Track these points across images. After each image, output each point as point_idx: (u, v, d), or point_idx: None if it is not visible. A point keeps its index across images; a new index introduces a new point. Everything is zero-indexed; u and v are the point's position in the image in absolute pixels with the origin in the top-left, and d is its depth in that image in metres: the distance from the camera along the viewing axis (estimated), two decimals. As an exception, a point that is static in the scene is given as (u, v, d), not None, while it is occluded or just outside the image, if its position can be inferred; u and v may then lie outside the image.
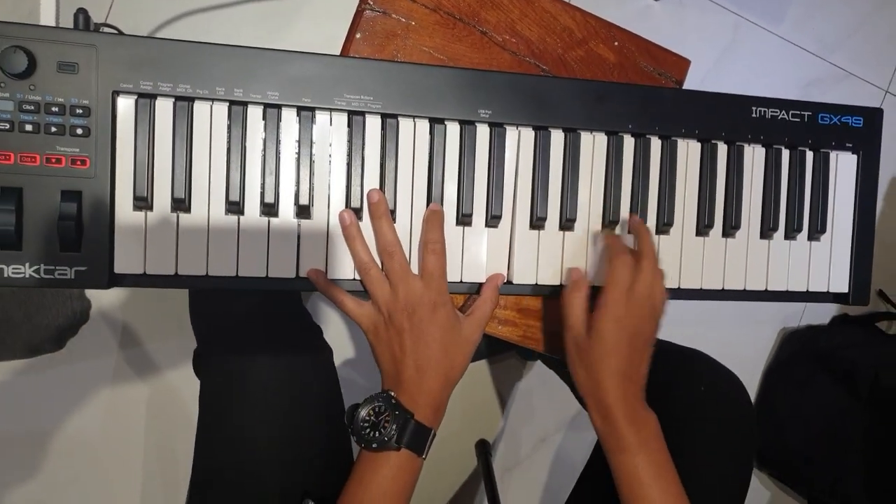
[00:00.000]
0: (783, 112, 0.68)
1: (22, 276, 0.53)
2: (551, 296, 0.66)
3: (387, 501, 0.55)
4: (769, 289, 0.69)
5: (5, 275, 0.53)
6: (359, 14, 0.63)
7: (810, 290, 0.70)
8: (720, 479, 0.64)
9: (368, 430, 0.55)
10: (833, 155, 0.70)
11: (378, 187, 0.59)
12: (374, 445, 0.54)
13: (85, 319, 1.14)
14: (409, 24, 0.64)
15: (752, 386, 1.42)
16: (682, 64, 0.72)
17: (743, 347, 1.41)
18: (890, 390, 1.16)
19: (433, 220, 0.59)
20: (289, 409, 0.62)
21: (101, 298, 1.09)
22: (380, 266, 0.58)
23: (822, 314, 1.42)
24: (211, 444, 0.62)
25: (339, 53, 0.64)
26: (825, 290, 0.70)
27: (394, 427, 0.54)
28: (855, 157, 0.71)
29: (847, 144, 0.70)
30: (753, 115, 0.67)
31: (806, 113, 0.69)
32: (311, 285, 0.58)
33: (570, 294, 0.61)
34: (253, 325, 0.64)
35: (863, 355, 1.22)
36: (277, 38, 1.11)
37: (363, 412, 0.55)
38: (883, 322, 1.41)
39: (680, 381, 0.69)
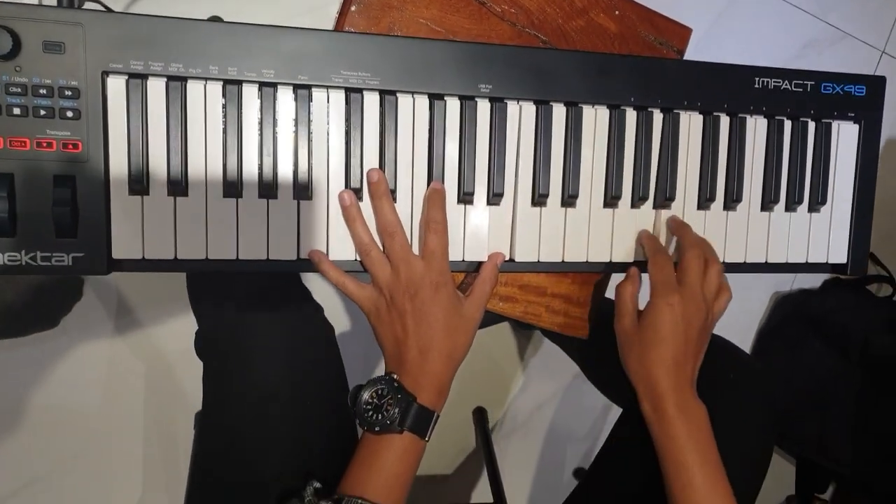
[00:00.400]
0: (786, 82, 0.67)
1: (18, 263, 0.52)
2: (552, 272, 0.66)
3: (389, 484, 0.54)
4: (769, 261, 0.69)
5: (1, 262, 0.52)
6: (353, -14, 0.61)
7: (809, 261, 0.70)
8: (744, 463, 0.65)
9: (371, 412, 0.55)
10: (835, 125, 0.69)
11: (378, 166, 0.58)
12: (376, 429, 0.54)
13: (78, 297, 1.13)
14: (405, -5, 0.62)
15: (744, 348, 1.44)
16: (684, 33, 0.71)
17: (736, 311, 1.42)
18: (880, 356, 1.18)
19: (435, 198, 0.58)
20: (293, 389, 0.62)
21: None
22: (380, 247, 0.58)
23: (814, 278, 1.43)
24: (214, 425, 0.62)
25: (332, 26, 0.63)
26: (824, 261, 0.71)
27: (396, 410, 0.54)
28: (857, 126, 0.70)
29: (849, 114, 0.69)
30: (756, 86, 0.66)
31: (809, 83, 0.68)
32: (312, 267, 0.58)
33: (624, 285, 0.63)
34: (254, 306, 0.64)
35: (854, 319, 1.24)
36: (260, 5, 1.08)
37: (366, 395, 0.55)
38: (873, 285, 1.43)
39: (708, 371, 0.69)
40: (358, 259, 0.59)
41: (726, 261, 0.68)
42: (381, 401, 0.55)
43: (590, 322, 0.71)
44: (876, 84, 0.70)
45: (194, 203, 0.55)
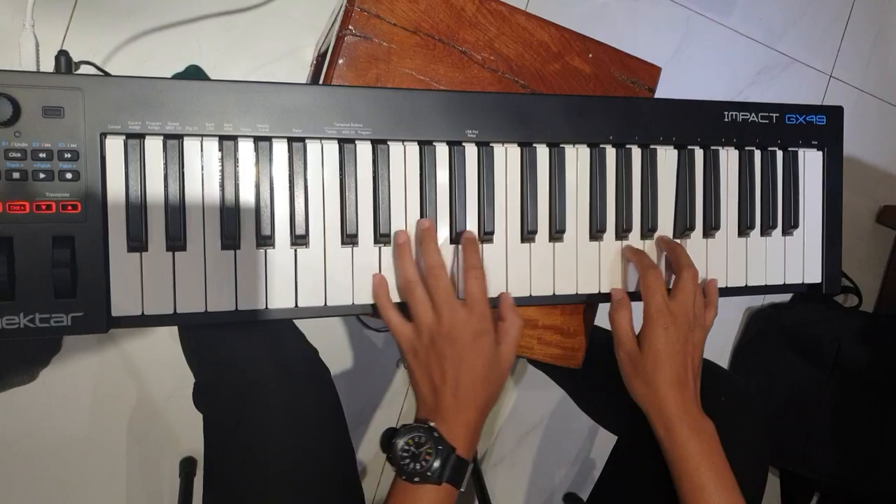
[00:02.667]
0: (752, 115, 0.71)
1: (16, 326, 0.52)
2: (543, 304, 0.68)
3: None
4: (749, 284, 0.72)
5: None
6: (340, 40, 0.63)
7: (787, 282, 0.73)
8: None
9: (409, 461, 0.54)
10: (801, 152, 0.73)
11: (372, 212, 0.60)
12: (416, 479, 0.54)
13: (57, 349, 1.11)
14: (390, 47, 0.65)
15: (722, 365, 1.48)
16: (654, 71, 0.74)
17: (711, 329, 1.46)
18: (852, 361, 1.23)
19: (470, 246, 0.60)
20: (295, 432, 0.62)
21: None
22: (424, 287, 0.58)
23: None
24: (221, 475, 0.62)
25: (308, 70, 0.65)
26: (800, 281, 0.74)
27: (437, 462, 0.54)
28: (820, 153, 0.74)
29: (813, 142, 0.73)
30: (725, 120, 0.70)
31: (774, 114, 0.72)
32: (308, 314, 0.59)
33: (616, 312, 0.64)
34: (251, 354, 0.64)
35: (826, 330, 1.28)
36: (242, 50, 1.09)
37: (401, 442, 0.55)
38: (840, 296, 1.48)
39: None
40: (396, 300, 0.60)
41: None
42: (418, 449, 0.55)
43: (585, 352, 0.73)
44: (835, 113, 0.74)
45: (193, 257, 0.56)
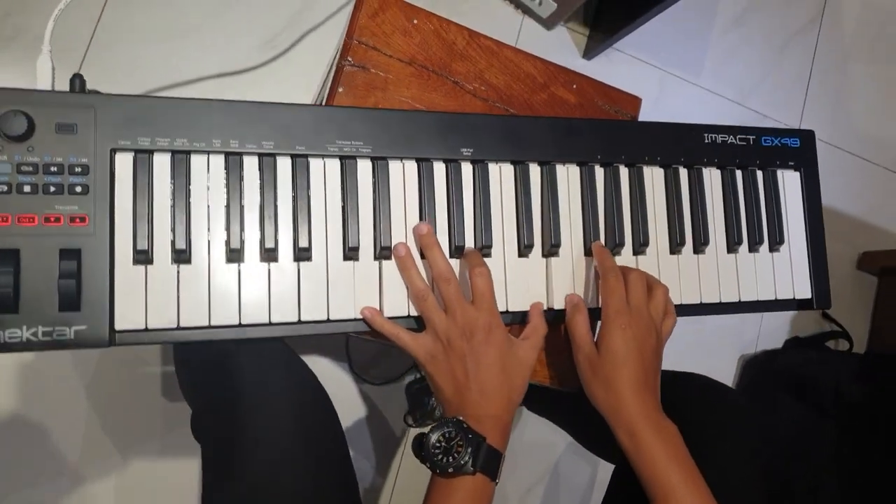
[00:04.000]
0: (731, 137, 0.75)
1: (18, 340, 0.51)
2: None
3: None
4: (742, 299, 0.73)
5: (1, 340, 0.51)
6: (339, 69, 0.67)
7: (778, 297, 0.75)
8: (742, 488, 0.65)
9: (441, 455, 0.55)
10: (779, 173, 0.77)
11: (373, 226, 0.61)
12: (450, 470, 0.55)
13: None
14: (386, 77, 0.68)
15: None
16: (635, 102, 0.79)
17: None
18: (851, 401, 1.22)
19: (473, 254, 0.63)
20: (297, 452, 0.60)
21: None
22: (434, 295, 0.60)
23: (776, 338, 1.49)
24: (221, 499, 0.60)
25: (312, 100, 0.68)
26: (791, 296, 0.75)
27: (468, 451, 0.55)
28: (798, 173, 0.78)
29: (790, 163, 0.77)
30: (706, 141, 0.74)
31: (751, 137, 0.75)
32: (293, 332, 0.59)
33: (573, 317, 0.64)
34: (252, 376, 0.63)
35: (823, 371, 1.28)
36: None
37: (433, 438, 0.56)
38: (830, 341, 1.49)
39: (681, 401, 0.70)
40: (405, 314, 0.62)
41: (703, 301, 0.72)
42: (449, 443, 0.56)
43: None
44: (807, 136, 0.78)
45: (197, 270, 0.56)
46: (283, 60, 1.17)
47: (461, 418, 0.57)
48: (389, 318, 0.61)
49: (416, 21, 0.70)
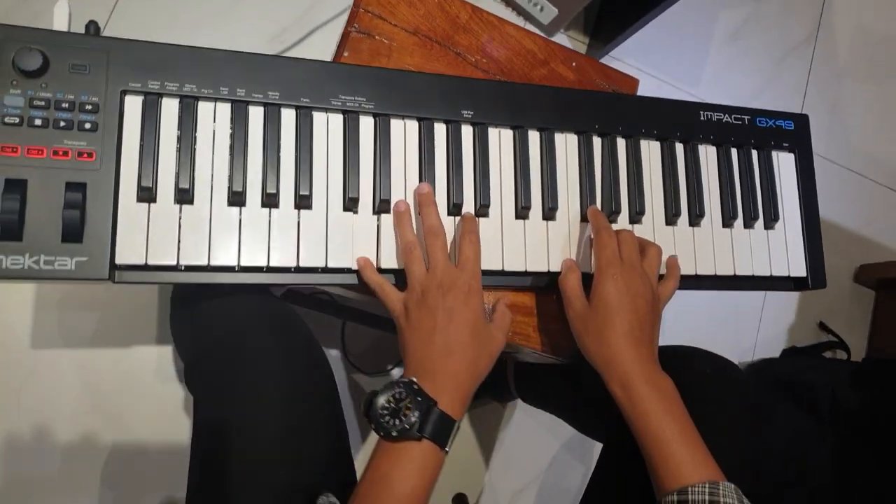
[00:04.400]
0: (726, 116, 0.76)
1: (20, 266, 0.52)
2: (540, 288, 0.69)
3: (406, 497, 0.51)
4: (737, 273, 0.74)
5: (3, 265, 0.52)
6: (346, 35, 0.69)
7: (773, 274, 0.75)
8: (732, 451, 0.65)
9: (388, 417, 0.53)
10: (774, 154, 0.78)
11: (372, 182, 0.63)
12: (394, 434, 0.52)
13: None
14: (391, 44, 0.70)
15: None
16: (632, 82, 0.80)
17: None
18: (848, 407, 1.22)
19: (469, 217, 0.63)
20: (290, 407, 0.60)
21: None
22: (423, 250, 0.60)
23: (773, 347, 1.48)
24: (211, 448, 0.59)
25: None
26: (786, 273, 0.76)
27: (416, 414, 0.52)
28: (792, 155, 0.79)
29: (784, 144, 0.78)
30: (702, 119, 0.75)
31: (746, 117, 0.77)
32: (291, 280, 0.59)
33: (565, 276, 0.65)
34: (250, 322, 0.63)
35: (819, 377, 1.28)
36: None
37: (382, 399, 0.54)
38: (828, 352, 1.49)
39: (681, 370, 0.70)
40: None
41: (698, 273, 0.72)
42: (398, 405, 0.53)
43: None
44: (801, 119, 0.80)
45: (199, 211, 0.57)
46: (291, 55, 1.20)
47: (414, 379, 0.54)
48: (381, 271, 0.62)
49: (421, -7, 0.72)
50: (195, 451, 0.61)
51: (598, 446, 0.79)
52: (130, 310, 1.10)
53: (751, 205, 0.75)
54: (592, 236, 0.65)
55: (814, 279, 0.77)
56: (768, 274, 0.75)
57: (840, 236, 1.61)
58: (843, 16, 1.72)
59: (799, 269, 0.77)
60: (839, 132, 1.67)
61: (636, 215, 0.71)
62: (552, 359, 0.74)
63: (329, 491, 0.59)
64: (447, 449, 0.54)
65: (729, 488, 0.53)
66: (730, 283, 0.75)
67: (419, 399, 0.53)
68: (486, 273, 0.66)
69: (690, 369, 0.69)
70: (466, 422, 1.24)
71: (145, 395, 1.08)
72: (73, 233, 0.53)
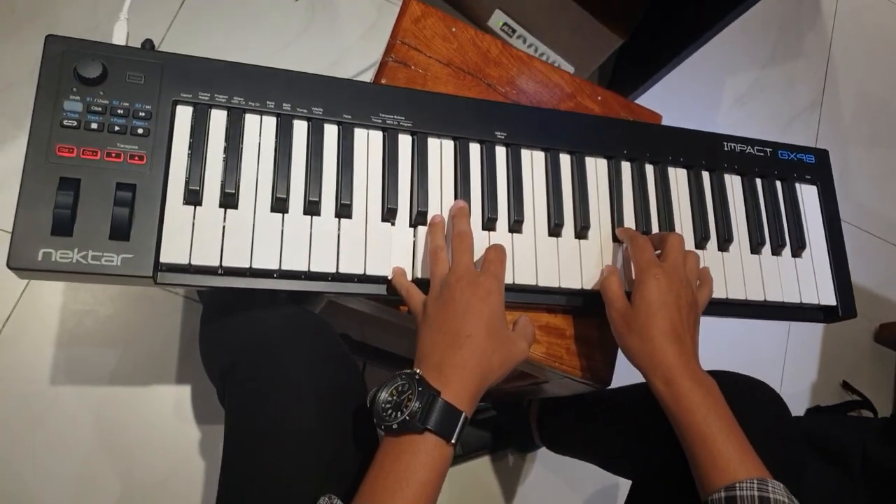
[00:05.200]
0: (749, 147, 0.78)
1: (69, 260, 0.53)
2: (576, 309, 0.70)
3: (413, 493, 0.48)
4: (767, 298, 0.74)
5: (53, 258, 0.52)
6: (383, 64, 0.72)
7: (803, 301, 0.75)
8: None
9: (390, 410, 0.51)
10: (797, 186, 0.80)
11: (410, 195, 0.64)
12: (394, 427, 0.50)
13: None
14: (425, 74, 0.74)
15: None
16: (656, 118, 0.83)
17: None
18: (880, 462, 1.18)
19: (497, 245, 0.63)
20: (324, 417, 0.59)
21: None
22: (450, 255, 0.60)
23: (797, 405, 1.45)
24: (240, 462, 0.58)
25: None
26: (816, 302, 0.76)
27: (417, 404, 0.50)
28: (814, 187, 0.81)
29: (806, 177, 0.80)
30: (725, 149, 0.77)
31: (768, 149, 0.79)
32: (328, 287, 0.60)
33: (606, 278, 0.65)
34: (282, 328, 0.63)
35: (847, 433, 1.24)
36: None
37: (384, 393, 0.52)
38: (853, 412, 1.45)
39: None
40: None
41: (729, 297, 0.72)
42: (400, 398, 0.51)
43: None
44: (822, 154, 0.82)
45: (243, 215, 0.59)
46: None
47: (417, 371, 0.53)
48: (416, 282, 0.62)
49: (454, 29, 0.76)
50: (226, 455, 0.59)
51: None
52: (151, 348, 1.10)
53: (777, 232, 0.76)
54: (628, 246, 0.66)
55: (844, 308, 0.77)
56: (798, 301, 0.75)
57: (859, 297, 1.59)
58: (846, 82, 1.79)
59: (828, 298, 0.77)
60: (850, 195, 1.70)
61: (666, 238, 0.71)
62: (584, 384, 0.73)
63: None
64: (454, 442, 0.51)
65: (778, 486, 0.51)
66: (759, 311, 0.75)
67: (420, 389, 0.51)
68: (519, 289, 0.67)
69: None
70: (486, 475, 1.21)
71: (162, 435, 1.06)
72: (121, 230, 0.54)
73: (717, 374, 0.69)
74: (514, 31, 1.38)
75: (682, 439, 0.57)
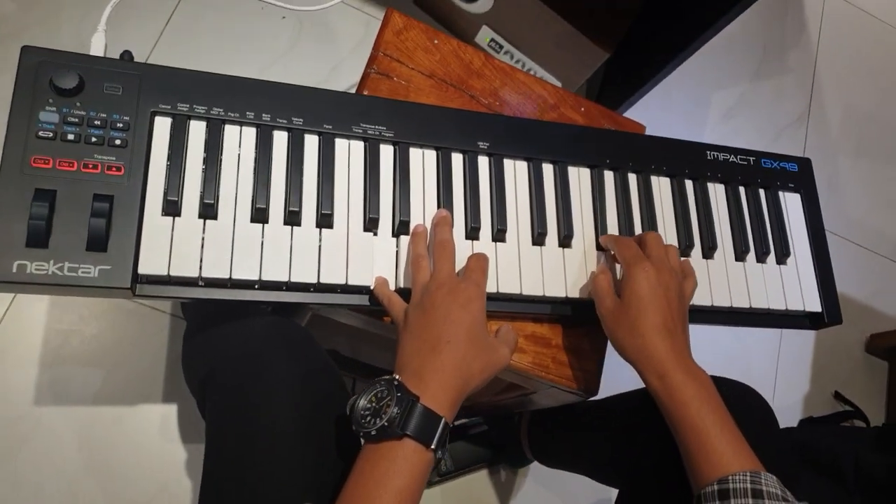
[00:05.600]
0: (732, 156, 0.79)
1: (44, 272, 0.52)
2: (563, 318, 0.69)
3: (388, 498, 0.48)
4: (753, 305, 0.73)
5: (28, 270, 0.52)
6: (366, 76, 0.72)
7: (788, 308, 0.75)
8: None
9: (369, 417, 0.50)
10: (781, 194, 0.80)
11: (392, 205, 0.64)
12: (373, 433, 0.49)
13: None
14: (408, 85, 0.74)
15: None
16: (639, 128, 0.83)
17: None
18: (873, 472, 1.17)
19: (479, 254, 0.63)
20: (306, 425, 0.59)
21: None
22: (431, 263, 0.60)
23: (790, 417, 1.45)
24: (221, 470, 0.57)
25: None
26: (801, 308, 0.75)
27: (396, 409, 0.49)
28: (798, 195, 0.81)
29: (789, 185, 0.80)
30: (709, 158, 0.78)
31: (751, 158, 0.79)
32: (309, 298, 0.59)
33: (597, 276, 0.65)
34: (262, 352, 0.62)
35: (840, 444, 1.24)
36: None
37: (363, 400, 0.52)
38: (846, 422, 1.45)
39: None
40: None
41: (714, 304, 0.72)
42: (379, 404, 0.51)
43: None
44: (805, 163, 0.82)
45: (223, 226, 0.58)
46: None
47: (396, 376, 0.52)
48: (399, 292, 0.61)
49: (436, 41, 0.77)
50: (207, 463, 0.58)
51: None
52: (137, 368, 1.08)
53: (762, 240, 0.76)
54: (612, 247, 0.66)
55: (829, 314, 0.77)
56: (784, 308, 0.75)
57: (850, 308, 1.60)
58: (832, 96, 1.80)
59: (814, 305, 0.76)
60: (838, 207, 1.70)
61: (650, 246, 0.71)
62: (571, 394, 0.72)
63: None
64: (434, 447, 0.50)
65: (771, 478, 0.51)
66: (745, 319, 0.75)
67: (399, 395, 0.50)
68: (504, 298, 0.66)
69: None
70: (478, 490, 1.19)
71: (149, 455, 1.04)
72: (98, 241, 0.53)
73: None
74: (501, 46, 1.39)
75: (675, 433, 0.57)
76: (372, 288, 0.61)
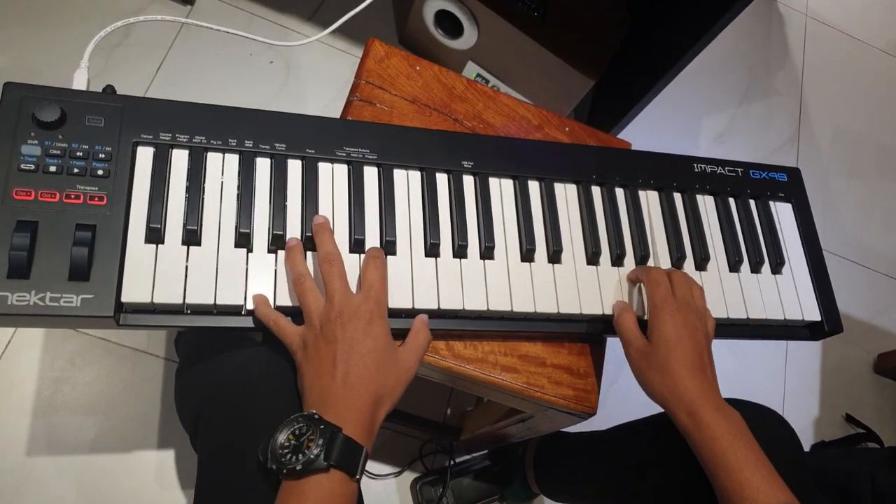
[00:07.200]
0: (720, 168, 0.78)
1: (25, 303, 0.52)
2: (552, 334, 0.68)
3: None
4: (750, 316, 0.72)
5: (8, 302, 0.51)
6: (349, 103, 0.73)
7: (787, 318, 0.74)
8: None
9: (290, 454, 0.49)
10: (772, 204, 0.79)
11: (379, 227, 0.63)
12: (298, 468, 0.48)
13: None
14: (391, 111, 0.74)
15: None
16: (625, 145, 0.84)
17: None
18: (890, 495, 1.13)
19: (372, 247, 0.61)
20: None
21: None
22: (314, 280, 0.57)
23: (801, 440, 1.41)
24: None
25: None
26: (800, 318, 0.74)
27: (320, 442, 0.49)
28: (789, 205, 0.80)
29: (780, 195, 0.80)
30: (696, 170, 0.77)
31: (739, 169, 0.79)
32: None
33: (620, 315, 0.65)
34: (256, 363, 0.61)
35: (854, 465, 1.20)
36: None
37: (281, 437, 0.50)
38: (858, 445, 1.41)
39: None
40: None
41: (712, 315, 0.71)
42: (299, 440, 0.50)
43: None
44: (794, 172, 0.82)
45: (206, 252, 0.58)
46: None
47: (314, 411, 0.51)
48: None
49: (418, 67, 0.78)
50: (199, 492, 0.57)
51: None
52: (131, 414, 1.06)
53: (755, 250, 0.75)
54: (643, 277, 0.66)
55: (829, 323, 0.75)
56: (782, 318, 0.74)
57: (855, 328, 1.58)
58: (821, 118, 1.82)
59: (812, 314, 0.75)
60: (834, 227, 1.70)
61: (641, 260, 0.71)
62: (569, 414, 0.70)
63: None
64: (358, 477, 0.50)
65: None
66: (744, 331, 0.73)
67: (322, 427, 0.50)
68: (495, 317, 0.65)
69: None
70: (483, 528, 1.15)
71: (146, 502, 1.01)
72: (80, 271, 0.53)
73: (728, 401, 0.68)
74: (487, 81, 1.41)
75: (707, 470, 0.56)
76: (254, 304, 0.57)
